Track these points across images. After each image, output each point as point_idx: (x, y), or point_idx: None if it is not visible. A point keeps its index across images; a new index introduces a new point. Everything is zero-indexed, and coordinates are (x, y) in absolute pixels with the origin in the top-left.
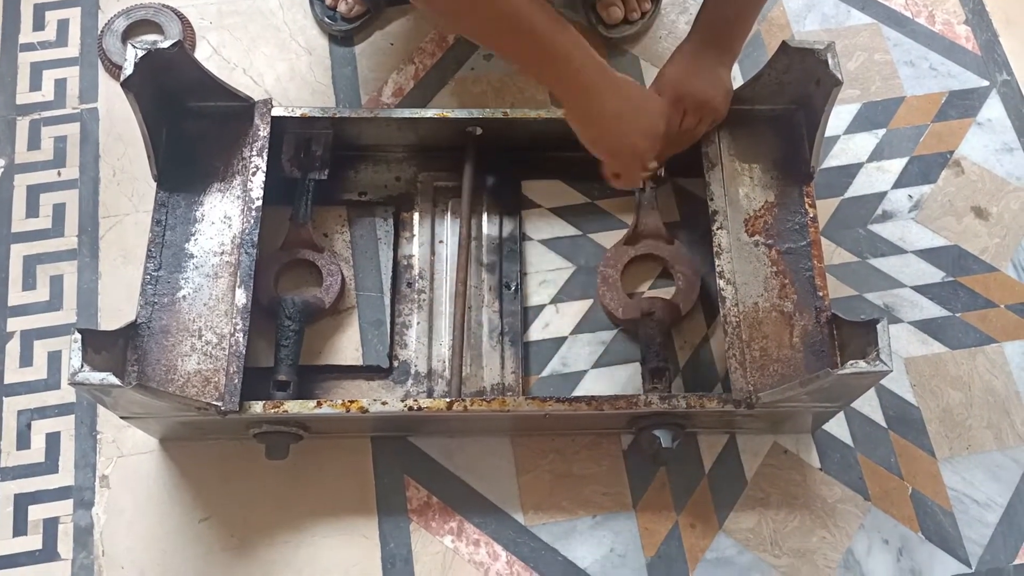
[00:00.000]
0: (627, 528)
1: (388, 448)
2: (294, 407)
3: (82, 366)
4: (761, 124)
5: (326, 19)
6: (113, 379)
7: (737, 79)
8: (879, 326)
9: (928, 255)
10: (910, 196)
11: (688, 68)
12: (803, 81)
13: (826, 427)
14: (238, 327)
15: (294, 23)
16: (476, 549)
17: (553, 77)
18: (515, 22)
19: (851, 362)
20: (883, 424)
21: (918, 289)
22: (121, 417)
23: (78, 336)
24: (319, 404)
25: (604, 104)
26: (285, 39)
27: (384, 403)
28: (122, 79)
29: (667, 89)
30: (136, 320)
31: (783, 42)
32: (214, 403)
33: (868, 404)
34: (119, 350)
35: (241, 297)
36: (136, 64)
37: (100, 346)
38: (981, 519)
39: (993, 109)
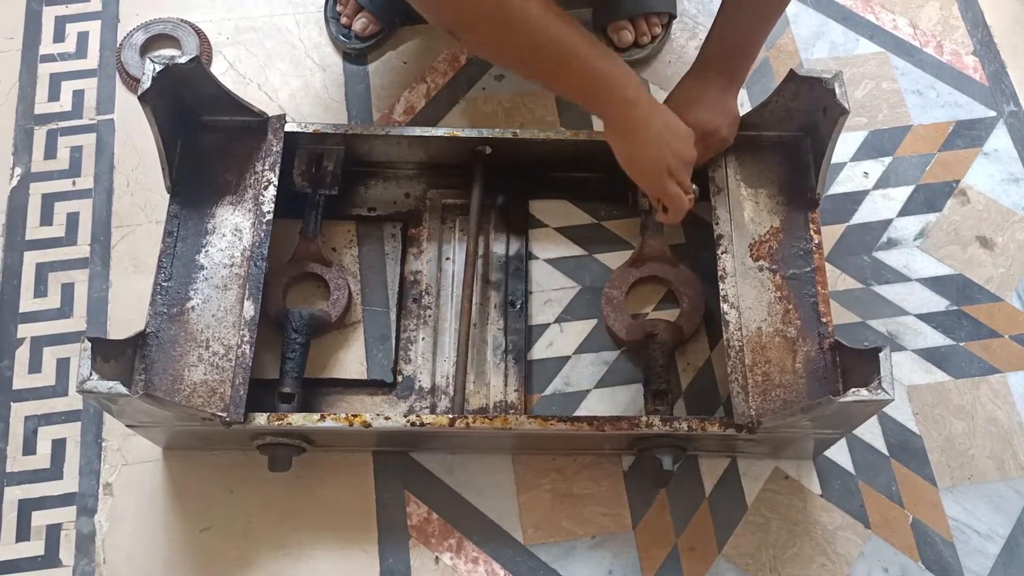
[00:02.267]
0: (626, 550)
1: (389, 463)
2: (298, 420)
3: (91, 374)
4: (768, 150)
5: (341, 37)
6: (121, 388)
7: (745, 105)
8: (882, 355)
9: (933, 283)
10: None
11: (693, 96)
12: (810, 109)
13: (828, 453)
14: (245, 339)
15: (309, 40)
16: (475, 567)
17: (596, 100)
18: (556, 50)
19: (853, 390)
20: (885, 452)
21: (922, 317)
22: (127, 425)
23: (88, 344)
24: (323, 417)
25: (643, 125)
26: (300, 56)
27: (387, 418)
28: (140, 93)
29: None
30: (145, 329)
31: (791, 70)
32: (219, 414)
33: (870, 431)
34: (127, 359)
35: (249, 309)
36: (154, 78)
37: (109, 354)
38: (982, 550)
39: (1000, 139)
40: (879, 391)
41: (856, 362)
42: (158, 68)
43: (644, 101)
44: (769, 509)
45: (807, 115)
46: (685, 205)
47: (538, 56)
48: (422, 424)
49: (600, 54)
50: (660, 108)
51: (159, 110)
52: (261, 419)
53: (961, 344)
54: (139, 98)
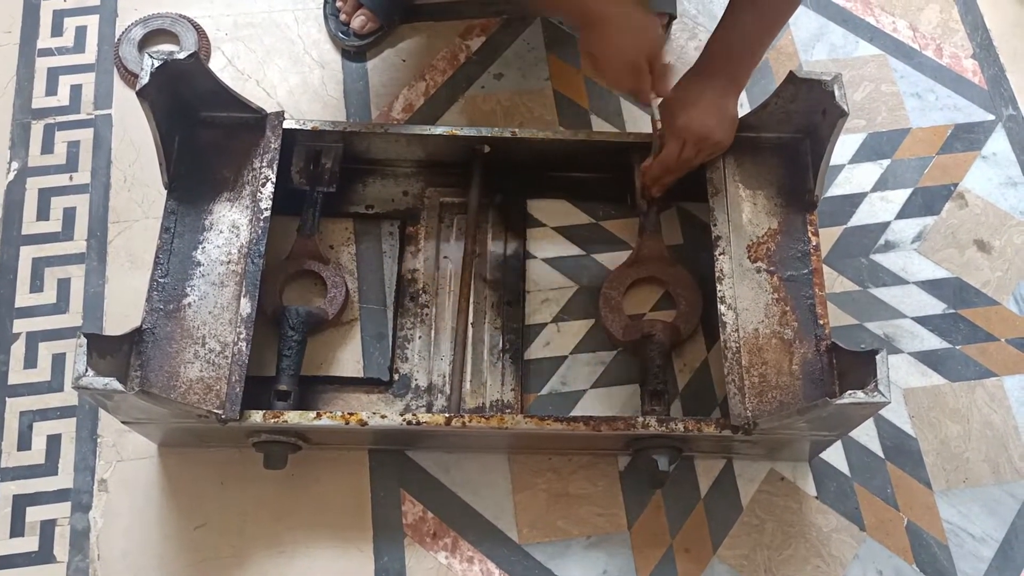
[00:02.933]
0: (621, 550)
1: (385, 461)
2: (294, 418)
3: (86, 370)
4: (766, 152)
5: (340, 34)
6: (116, 385)
7: (744, 106)
8: (878, 357)
9: (930, 286)
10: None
11: (691, 97)
12: (809, 111)
13: (823, 455)
14: (242, 336)
15: (308, 37)
16: (470, 566)
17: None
18: None
19: (849, 392)
20: (880, 454)
21: (919, 320)
22: (122, 422)
23: (84, 341)
24: (319, 415)
25: (610, 9)
26: (299, 53)
27: (383, 417)
28: (138, 88)
29: (668, 118)
30: (141, 326)
31: (790, 72)
32: (215, 411)
33: (866, 434)
34: (123, 355)
35: (246, 306)
36: (152, 74)
37: (105, 351)
38: (976, 553)
39: (998, 143)
40: (875, 394)
41: (853, 364)
42: (156, 64)
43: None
44: (764, 511)
45: (806, 117)
46: (624, 85)
47: None
48: (418, 423)
49: None
50: (628, 5)
51: (157, 106)
52: (257, 417)
53: (957, 347)
54: (137, 94)
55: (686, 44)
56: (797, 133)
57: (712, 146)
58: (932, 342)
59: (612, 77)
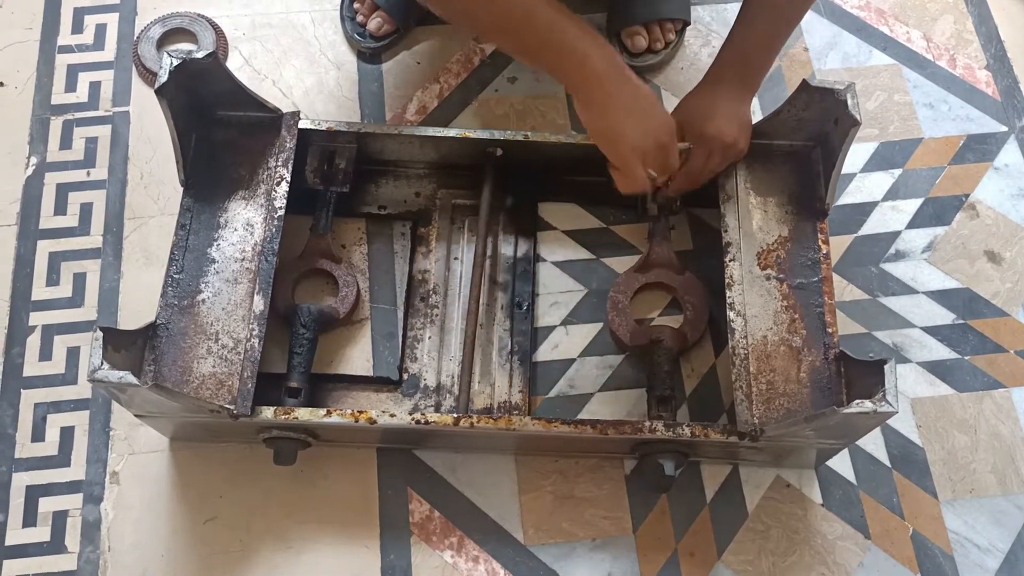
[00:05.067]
0: (626, 553)
1: (393, 460)
2: (304, 414)
3: (102, 363)
4: (778, 159)
5: (356, 36)
6: (131, 378)
7: (756, 113)
8: (887, 367)
9: (939, 296)
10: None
11: (706, 106)
12: (822, 119)
13: (829, 463)
14: (254, 332)
15: (324, 38)
16: (475, 566)
17: (566, 71)
18: (527, 18)
19: (857, 401)
20: (887, 463)
21: (928, 330)
22: (135, 415)
23: (99, 334)
24: (329, 413)
25: (614, 96)
26: (315, 53)
27: (392, 415)
28: (156, 86)
29: (693, 129)
30: (156, 321)
31: (803, 80)
32: (227, 406)
33: (872, 442)
34: (137, 349)
35: (259, 303)
36: (171, 72)
37: (120, 345)
38: (982, 564)
39: (1011, 154)
40: (883, 403)
41: (861, 374)
42: (175, 62)
43: (616, 77)
44: (770, 517)
45: (818, 125)
46: (638, 186)
47: (511, 24)
48: (427, 423)
49: (573, 24)
50: (637, 86)
51: (175, 104)
52: (268, 413)
53: (966, 358)
54: (156, 92)
55: (699, 51)
56: (809, 141)
57: (736, 153)
58: (941, 352)
59: (609, 154)
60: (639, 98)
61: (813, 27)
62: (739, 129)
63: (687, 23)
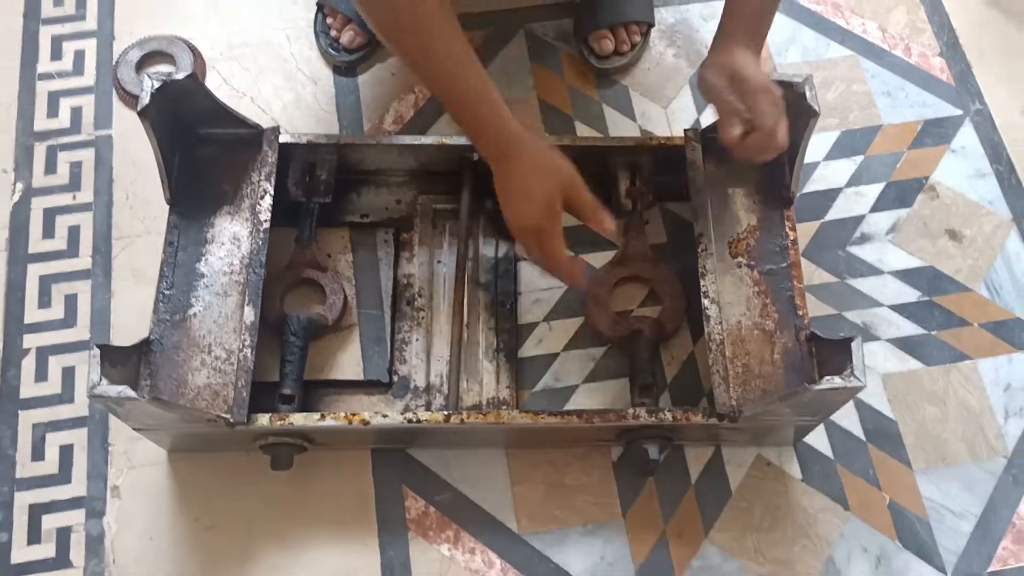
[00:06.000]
0: (617, 537)
1: (387, 460)
2: (299, 420)
3: (100, 379)
4: None
5: (330, 51)
6: (130, 392)
7: None
8: (854, 344)
9: (904, 276)
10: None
11: (738, 61)
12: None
13: (807, 440)
14: (246, 343)
15: (300, 55)
16: (472, 557)
17: (473, 122)
18: (454, 77)
19: (827, 377)
20: (862, 437)
21: (895, 308)
22: (134, 428)
23: (97, 351)
24: (323, 417)
25: (512, 179)
26: (292, 70)
27: (384, 416)
28: (139, 108)
29: (745, 83)
30: (149, 336)
31: None
32: (223, 415)
33: (847, 418)
34: (133, 365)
35: (249, 314)
36: (152, 95)
37: (116, 360)
38: (956, 528)
39: (966, 137)
40: (852, 378)
41: (831, 352)
42: (156, 85)
43: (514, 152)
44: (752, 494)
45: None
46: (557, 260)
47: (431, 72)
48: (418, 421)
49: (486, 97)
50: (533, 154)
51: (158, 125)
52: (263, 420)
53: (933, 333)
54: (139, 114)
55: (664, 51)
56: None
57: (780, 99)
58: (908, 329)
59: (516, 215)
60: (534, 168)
61: (778, 29)
62: (762, 72)
63: (651, 25)
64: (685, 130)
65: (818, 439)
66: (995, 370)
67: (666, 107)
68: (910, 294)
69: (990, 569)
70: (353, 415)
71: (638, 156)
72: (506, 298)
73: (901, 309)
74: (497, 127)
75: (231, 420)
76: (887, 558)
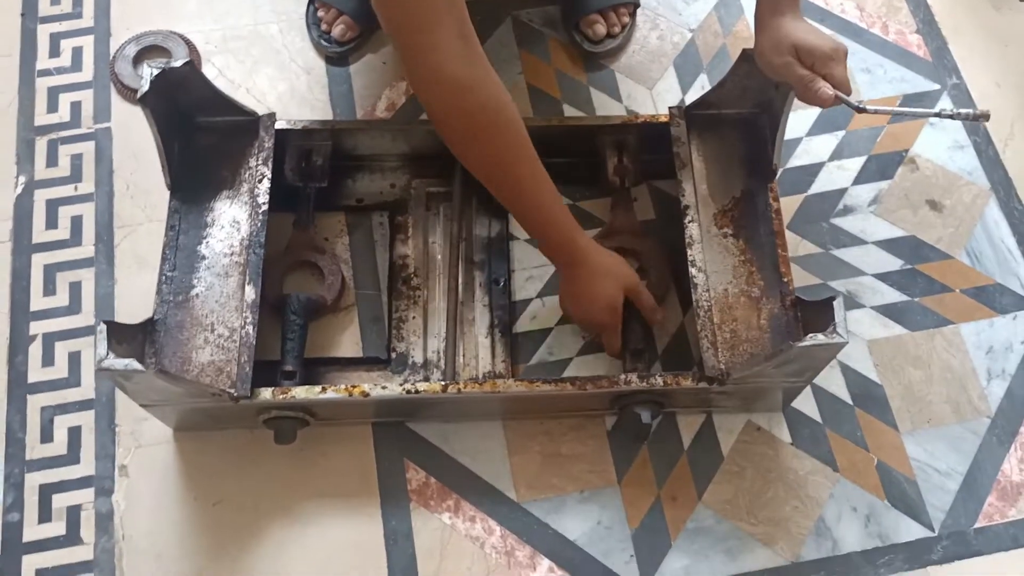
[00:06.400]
0: (612, 502)
1: (388, 434)
2: (301, 392)
3: (107, 353)
4: (727, 127)
5: (322, 42)
6: (136, 365)
7: (704, 86)
8: (835, 303)
9: (887, 245)
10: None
11: (793, 31)
12: (764, 86)
13: (796, 405)
14: (248, 320)
15: (293, 46)
16: (472, 525)
17: (549, 236)
18: (534, 202)
19: (810, 335)
20: (849, 401)
21: (879, 276)
22: (141, 405)
23: (103, 327)
24: (324, 389)
25: (580, 284)
26: (285, 61)
27: (384, 387)
28: (139, 95)
29: (812, 48)
30: (153, 316)
31: (743, 50)
32: (227, 390)
33: (834, 383)
34: (139, 343)
35: (250, 293)
36: (152, 82)
37: (122, 337)
38: (943, 487)
39: None
40: (834, 335)
41: (814, 313)
42: (155, 72)
43: (585, 262)
44: (744, 459)
45: (761, 92)
46: (616, 349)
47: (512, 195)
48: (417, 392)
49: (562, 215)
50: (599, 264)
51: (157, 112)
52: (266, 393)
53: (916, 299)
54: (138, 100)
55: (648, 34)
56: (755, 108)
57: (842, 50)
58: (892, 296)
59: (583, 314)
60: (599, 274)
61: (753, 6)
62: (822, 35)
63: (637, 5)
64: (670, 107)
65: (806, 404)
66: (977, 334)
67: (651, 88)
68: (893, 263)
69: (977, 525)
70: (353, 387)
71: (625, 134)
72: (500, 276)
73: (885, 277)
74: (567, 237)
75: (235, 394)
76: (876, 517)
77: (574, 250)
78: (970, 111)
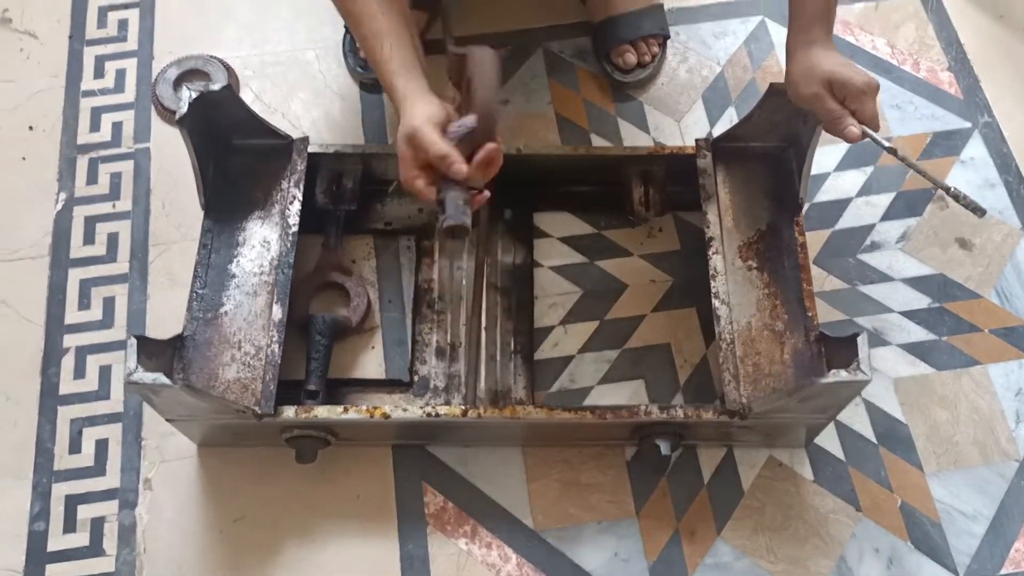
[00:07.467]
0: (630, 534)
1: (408, 456)
2: (323, 412)
3: (137, 367)
4: (754, 160)
5: (358, 69)
6: (164, 379)
7: (732, 119)
8: (859, 340)
9: (915, 283)
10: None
11: (823, 59)
12: (791, 120)
13: (818, 441)
14: (274, 339)
15: (328, 72)
16: (488, 551)
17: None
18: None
19: (833, 371)
20: (873, 440)
21: (906, 314)
22: (167, 419)
23: (134, 341)
24: (346, 410)
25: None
26: (320, 87)
27: (405, 409)
28: (177, 117)
29: (846, 83)
30: (183, 332)
31: (771, 84)
32: (251, 407)
33: (859, 421)
34: (167, 358)
35: (277, 312)
36: (190, 104)
37: (152, 352)
38: (968, 530)
39: (975, 148)
40: (858, 372)
41: (838, 349)
42: (194, 95)
43: (404, 102)
44: (764, 494)
45: (788, 126)
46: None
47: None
48: (437, 415)
49: (398, 48)
50: (412, 105)
51: (195, 134)
52: (289, 412)
53: (943, 338)
54: (177, 122)
55: (677, 67)
56: (782, 142)
57: (874, 83)
58: (919, 334)
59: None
60: (410, 115)
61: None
62: (855, 68)
63: (668, 36)
64: (697, 139)
65: (830, 441)
66: (1006, 375)
67: (679, 120)
68: (920, 300)
69: (1003, 571)
70: (375, 408)
71: (651, 165)
72: (523, 302)
73: (912, 315)
74: (388, 83)
75: (259, 411)
76: (899, 559)
77: (393, 93)
78: (973, 201)
